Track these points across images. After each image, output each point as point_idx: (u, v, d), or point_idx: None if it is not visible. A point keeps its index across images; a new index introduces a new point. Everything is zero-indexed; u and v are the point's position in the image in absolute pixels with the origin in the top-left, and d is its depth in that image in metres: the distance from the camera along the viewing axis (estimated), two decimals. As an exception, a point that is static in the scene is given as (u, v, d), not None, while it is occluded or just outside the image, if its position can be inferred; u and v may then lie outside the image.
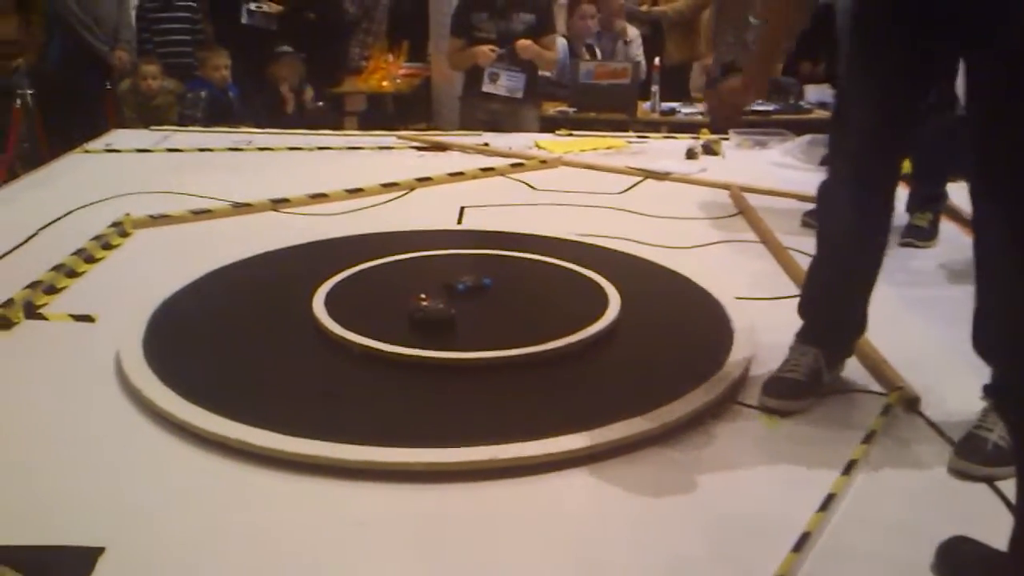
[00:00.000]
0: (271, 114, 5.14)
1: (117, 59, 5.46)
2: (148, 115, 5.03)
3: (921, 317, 2.28)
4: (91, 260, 2.64)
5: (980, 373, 1.56)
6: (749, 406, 1.85)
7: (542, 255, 2.59)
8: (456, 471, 1.59)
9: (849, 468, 1.61)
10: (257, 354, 2.05)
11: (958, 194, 2.93)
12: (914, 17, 1.54)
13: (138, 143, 4.12)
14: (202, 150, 4.03)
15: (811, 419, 1.81)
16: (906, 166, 2.78)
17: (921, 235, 2.83)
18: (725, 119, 1.90)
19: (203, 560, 1.38)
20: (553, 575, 1.37)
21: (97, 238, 2.76)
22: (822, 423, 1.79)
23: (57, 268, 2.50)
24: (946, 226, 2.93)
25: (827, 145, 1.91)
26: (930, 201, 2.87)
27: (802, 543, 1.40)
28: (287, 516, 1.49)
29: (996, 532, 1.31)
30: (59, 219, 3.00)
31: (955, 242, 2.85)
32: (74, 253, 2.62)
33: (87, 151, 4.00)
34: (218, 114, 4.98)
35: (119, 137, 4.29)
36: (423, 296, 2.11)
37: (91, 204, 3.15)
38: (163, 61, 5.40)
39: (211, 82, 5.14)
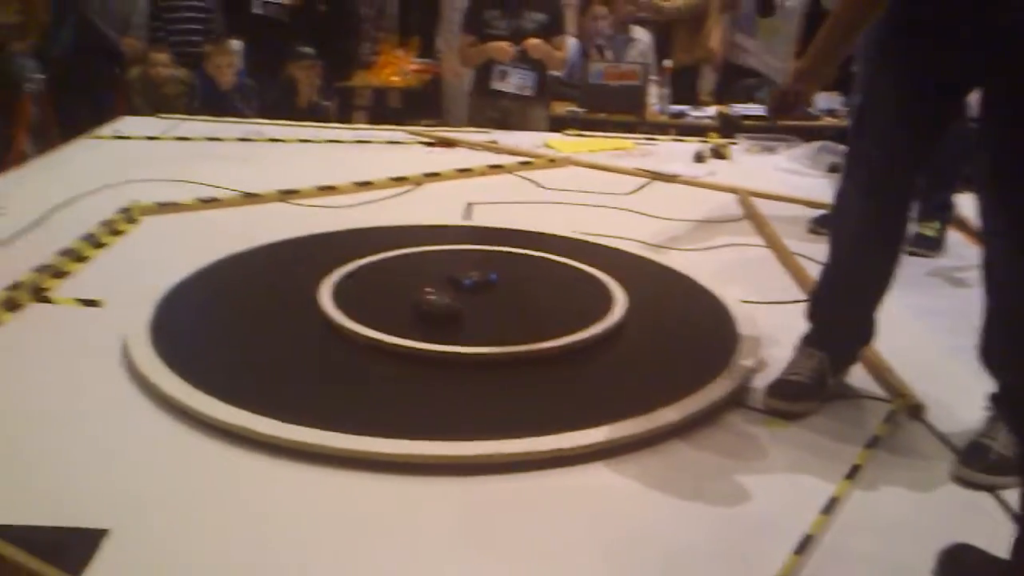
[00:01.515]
0: (282, 107, 5.13)
1: (128, 46, 5.47)
2: (157, 103, 5.03)
3: (926, 326, 2.28)
4: (98, 245, 2.64)
5: (985, 382, 1.56)
6: (753, 408, 1.85)
7: (548, 253, 2.59)
8: (460, 464, 1.59)
9: (853, 472, 1.62)
10: (263, 343, 2.06)
11: (966, 204, 2.94)
12: (937, 41, 1.54)
13: (147, 131, 4.12)
14: (211, 139, 4.04)
15: (815, 423, 1.81)
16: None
17: (929, 244, 2.83)
18: (775, 109, 1.86)
19: (205, 545, 1.38)
20: (550, 570, 1.37)
21: (105, 223, 2.77)
22: (826, 428, 1.80)
23: (65, 252, 2.50)
24: (953, 236, 2.94)
25: (841, 152, 1.91)
26: (938, 210, 2.87)
27: (804, 545, 1.41)
28: (291, 505, 1.49)
29: (998, 540, 1.32)
30: (67, 204, 3.00)
31: (962, 252, 2.85)
32: (82, 238, 2.63)
33: (96, 137, 4.01)
34: (215, 108, 4.96)
35: (128, 124, 4.29)
36: (429, 290, 2.12)
37: (99, 190, 3.15)
38: (174, 50, 5.40)
39: (213, 81, 5.12)
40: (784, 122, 2.27)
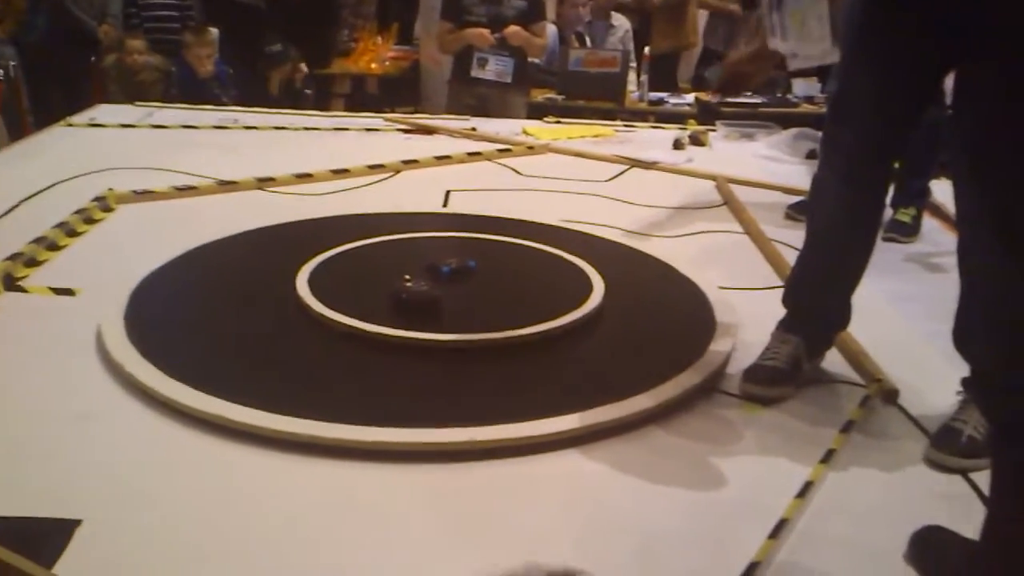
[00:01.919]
0: (257, 94, 5.10)
1: (103, 34, 5.42)
2: (132, 91, 4.99)
3: (901, 311, 2.30)
4: (73, 234, 2.62)
5: (958, 367, 1.56)
6: (730, 394, 1.86)
7: (527, 240, 2.59)
8: (437, 451, 1.59)
9: (827, 457, 1.63)
10: (239, 331, 2.04)
11: (941, 191, 2.96)
12: (914, 26, 1.54)
13: (122, 118, 4.09)
14: (187, 127, 4.01)
15: (790, 408, 1.82)
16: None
17: (904, 230, 2.86)
18: (725, 85, 1.86)
19: (180, 535, 1.38)
20: (525, 555, 1.37)
21: (80, 212, 2.74)
22: (801, 412, 1.81)
23: (38, 241, 2.48)
24: (928, 222, 2.96)
25: (819, 138, 1.91)
26: (914, 197, 2.89)
27: (779, 529, 1.41)
28: (266, 494, 1.49)
29: (969, 522, 1.33)
30: (41, 192, 2.97)
31: (937, 238, 2.87)
32: (56, 226, 2.60)
33: (71, 125, 3.97)
34: (193, 96, 4.93)
35: (103, 112, 4.26)
36: (408, 277, 2.11)
37: (74, 178, 3.12)
38: (149, 37, 5.36)
39: (192, 69, 5.09)
40: (731, 99, 2.26)
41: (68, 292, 2.22)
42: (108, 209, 2.85)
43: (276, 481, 1.52)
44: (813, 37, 1.73)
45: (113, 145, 3.65)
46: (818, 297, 1.90)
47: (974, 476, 1.58)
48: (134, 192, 2.97)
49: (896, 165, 2.85)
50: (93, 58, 5.39)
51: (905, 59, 1.61)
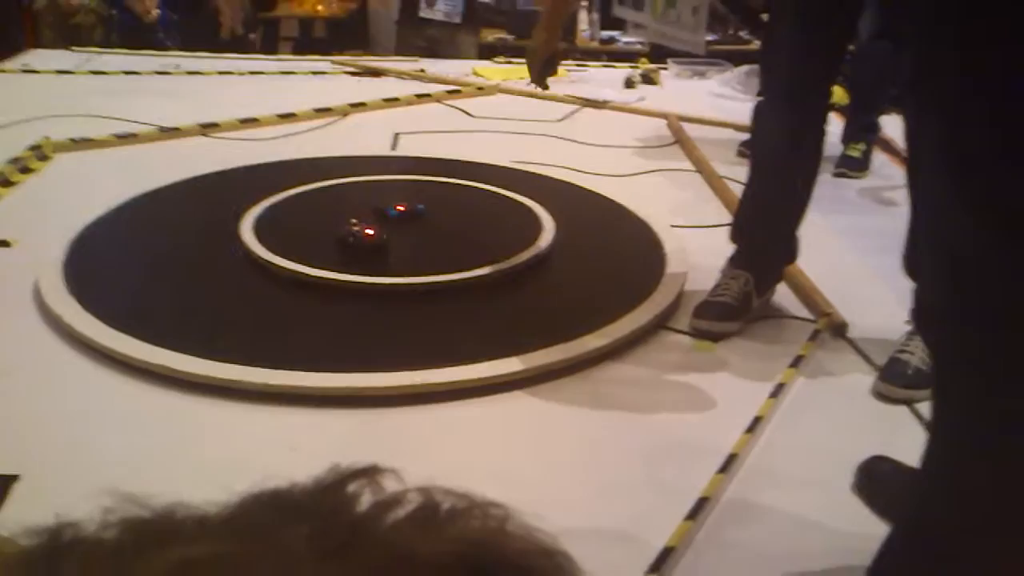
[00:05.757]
0: (205, 40, 4.94)
1: (32, -26, 5.21)
2: (68, 35, 4.81)
3: (851, 246, 2.31)
4: (7, 184, 2.53)
5: (905, 300, 1.57)
6: (680, 331, 1.86)
7: (477, 182, 2.56)
8: (386, 396, 1.57)
9: (777, 391, 1.64)
10: (183, 280, 2.00)
11: (891, 125, 2.97)
12: None
13: (58, 64, 3.94)
14: (128, 73, 3.88)
15: (740, 343, 1.83)
16: (841, 97, 2.81)
17: (854, 165, 2.86)
18: (540, 73, 2.00)
19: (123, 487, 1.35)
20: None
21: (14, 161, 2.65)
22: (751, 347, 1.81)
23: (-29, 192, 2.40)
24: (879, 157, 2.96)
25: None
26: (864, 132, 2.89)
27: (729, 464, 1.42)
28: (213, 443, 1.46)
29: (913, 451, 1.34)
30: (-28, 142, 2.87)
31: (887, 172, 2.88)
32: (-11, 176, 2.52)
33: (2, 71, 3.82)
34: (136, 43, 4.76)
35: (37, 57, 4.10)
36: (355, 221, 2.07)
37: (7, 126, 3.01)
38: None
39: (135, 15, 4.91)
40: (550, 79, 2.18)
41: (3, 244, 2.15)
42: (45, 158, 2.75)
43: (220, 430, 1.49)
44: (682, 23, 1.74)
45: (49, 92, 3.52)
46: (765, 229, 1.90)
47: (919, 406, 1.60)
48: (72, 140, 2.87)
49: (846, 99, 2.86)
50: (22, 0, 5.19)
51: None
